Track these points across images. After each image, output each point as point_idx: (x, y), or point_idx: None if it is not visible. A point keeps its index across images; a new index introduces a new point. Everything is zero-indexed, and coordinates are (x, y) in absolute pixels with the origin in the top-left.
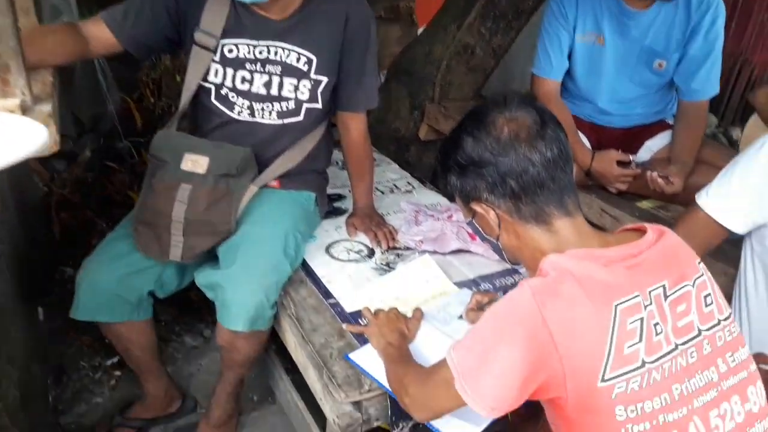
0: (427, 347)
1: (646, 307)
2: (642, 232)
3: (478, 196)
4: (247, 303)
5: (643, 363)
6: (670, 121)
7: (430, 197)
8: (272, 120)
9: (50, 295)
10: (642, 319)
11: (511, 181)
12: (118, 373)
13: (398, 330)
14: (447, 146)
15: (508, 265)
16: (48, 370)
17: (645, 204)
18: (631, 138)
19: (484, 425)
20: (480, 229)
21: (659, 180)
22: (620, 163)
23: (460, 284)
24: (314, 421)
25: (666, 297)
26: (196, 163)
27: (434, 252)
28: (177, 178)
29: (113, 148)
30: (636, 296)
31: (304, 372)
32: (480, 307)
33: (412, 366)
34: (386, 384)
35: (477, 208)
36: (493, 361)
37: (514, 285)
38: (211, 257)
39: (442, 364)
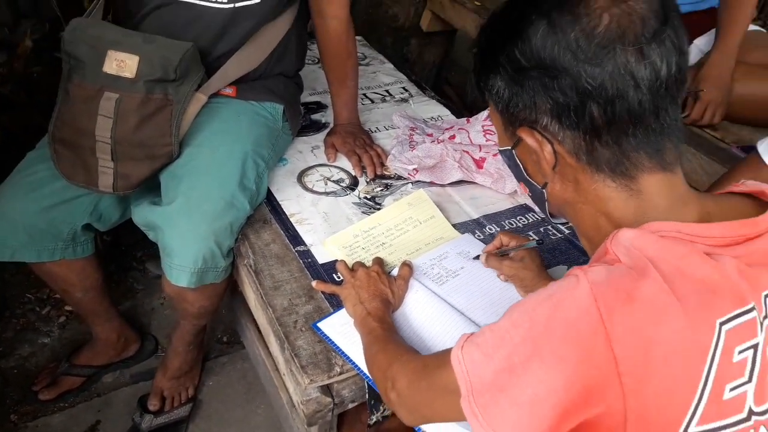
0: (415, 317)
1: (763, 325)
2: (762, 198)
3: (534, 119)
4: (193, 253)
5: (750, 414)
6: None
7: (430, 109)
8: (221, 3)
9: None
10: (756, 347)
11: (595, 106)
12: (69, 307)
13: (380, 294)
14: (500, 29)
15: (520, 201)
16: None
17: None
18: None
19: None
20: (520, 165)
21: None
22: None
23: (461, 227)
24: (284, 385)
25: None
26: (122, 63)
27: (431, 184)
28: (98, 84)
29: (62, 37)
30: (750, 309)
31: (266, 338)
32: (503, 252)
33: (400, 349)
34: (363, 366)
35: (526, 136)
36: (521, 383)
37: (528, 228)
38: (156, 184)
39: (445, 362)
